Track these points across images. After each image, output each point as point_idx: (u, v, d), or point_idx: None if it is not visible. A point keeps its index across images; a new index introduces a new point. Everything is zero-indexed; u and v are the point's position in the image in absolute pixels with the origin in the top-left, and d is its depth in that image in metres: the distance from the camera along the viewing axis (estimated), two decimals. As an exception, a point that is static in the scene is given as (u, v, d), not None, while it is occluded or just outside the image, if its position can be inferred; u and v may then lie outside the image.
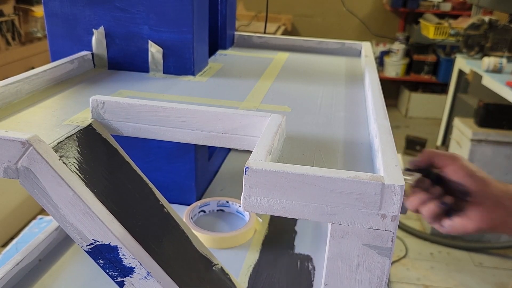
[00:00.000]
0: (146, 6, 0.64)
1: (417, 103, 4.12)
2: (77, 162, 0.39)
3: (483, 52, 2.22)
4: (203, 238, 0.68)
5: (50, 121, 0.45)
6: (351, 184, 0.30)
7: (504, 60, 1.97)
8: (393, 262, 2.15)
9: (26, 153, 0.34)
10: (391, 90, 4.25)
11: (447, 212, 0.44)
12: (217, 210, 0.79)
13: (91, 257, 0.37)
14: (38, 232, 0.77)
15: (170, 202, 0.52)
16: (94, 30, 0.66)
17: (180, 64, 0.68)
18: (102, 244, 0.36)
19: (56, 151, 0.38)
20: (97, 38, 0.66)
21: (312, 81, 0.66)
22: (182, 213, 0.74)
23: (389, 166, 0.32)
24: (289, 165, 0.31)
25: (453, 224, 0.44)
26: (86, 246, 0.37)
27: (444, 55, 3.37)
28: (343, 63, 0.82)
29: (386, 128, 0.41)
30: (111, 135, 0.47)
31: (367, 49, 0.86)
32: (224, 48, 0.90)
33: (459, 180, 0.44)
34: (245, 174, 0.31)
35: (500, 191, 0.45)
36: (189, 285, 0.44)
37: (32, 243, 0.64)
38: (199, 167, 0.80)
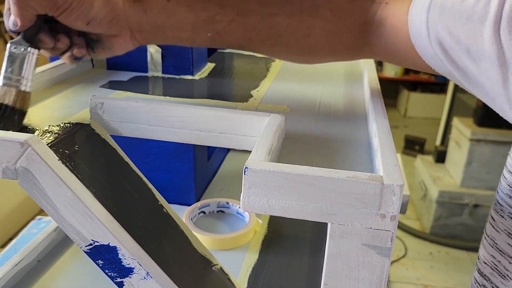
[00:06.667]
0: (145, 6, 0.64)
1: (416, 102, 4.12)
2: (76, 163, 0.39)
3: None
4: (203, 240, 0.68)
5: (49, 121, 0.45)
6: (350, 184, 0.30)
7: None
8: (392, 262, 2.15)
9: (24, 154, 0.34)
10: (390, 90, 4.26)
11: None
12: (217, 211, 0.79)
13: (90, 257, 0.37)
14: (37, 232, 0.77)
15: (169, 202, 0.52)
16: (92, 31, 0.65)
17: (179, 64, 0.67)
18: (101, 244, 0.36)
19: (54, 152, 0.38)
20: (96, 39, 0.66)
21: (311, 81, 0.66)
22: (181, 214, 0.74)
23: (389, 166, 0.32)
24: (289, 165, 0.31)
25: None
26: (85, 246, 0.37)
27: (443, 55, 3.38)
28: (342, 62, 0.81)
29: (385, 128, 0.41)
30: (110, 135, 0.47)
31: (366, 49, 0.85)
32: (223, 48, 0.90)
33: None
34: (244, 174, 0.31)
35: None
36: (188, 285, 0.43)
37: (31, 243, 0.64)
38: (198, 167, 0.80)
